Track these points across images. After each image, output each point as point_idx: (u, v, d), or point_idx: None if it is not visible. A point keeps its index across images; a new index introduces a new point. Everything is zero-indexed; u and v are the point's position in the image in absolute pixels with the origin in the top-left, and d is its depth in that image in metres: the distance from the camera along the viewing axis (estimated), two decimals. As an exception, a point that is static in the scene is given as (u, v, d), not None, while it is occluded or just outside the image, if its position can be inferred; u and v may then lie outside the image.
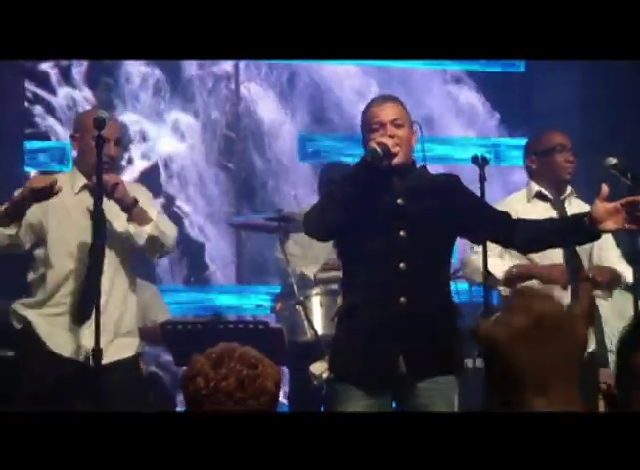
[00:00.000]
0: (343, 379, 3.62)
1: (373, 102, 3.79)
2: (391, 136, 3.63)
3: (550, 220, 4.10)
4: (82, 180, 4.27)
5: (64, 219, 4.22)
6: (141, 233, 4.17)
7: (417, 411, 3.53)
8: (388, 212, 3.63)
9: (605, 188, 3.63)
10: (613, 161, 4.29)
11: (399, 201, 3.65)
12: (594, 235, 3.67)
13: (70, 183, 4.26)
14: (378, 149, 3.55)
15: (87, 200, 4.21)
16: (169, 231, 4.30)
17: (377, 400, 3.58)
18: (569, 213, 4.45)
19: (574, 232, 3.70)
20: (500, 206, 4.05)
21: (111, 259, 4.19)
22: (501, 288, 4.45)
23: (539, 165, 4.63)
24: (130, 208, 4.11)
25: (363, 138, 3.74)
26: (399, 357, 3.56)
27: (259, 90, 7.52)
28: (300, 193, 7.39)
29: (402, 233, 3.61)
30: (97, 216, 3.95)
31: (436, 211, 3.65)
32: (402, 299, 3.56)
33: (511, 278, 4.37)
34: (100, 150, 3.89)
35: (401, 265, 3.58)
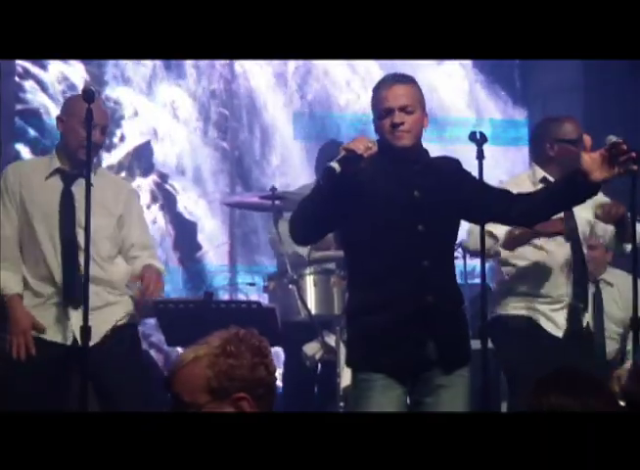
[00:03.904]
0: (373, 370, 3.53)
1: (383, 83, 3.61)
2: (397, 124, 3.51)
3: (544, 188, 4.02)
4: (56, 164, 4.21)
5: (33, 209, 4.18)
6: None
7: (437, 394, 3.54)
8: (406, 207, 3.53)
9: (587, 139, 3.55)
10: (613, 139, 4.23)
11: (416, 193, 3.56)
12: (590, 188, 3.54)
13: (44, 168, 4.23)
14: (336, 167, 3.35)
15: (57, 185, 4.19)
16: None
17: (401, 391, 3.54)
18: None
19: (571, 190, 3.57)
20: (506, 187, 3.97)
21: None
22: (499, 250, 4.35)
23: (559, 153, 4.50)
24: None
25: (374, 119, 3.62)
26: (430, 352, 3.52)
27: (254, 67, 7.43)
28: (296, 171, 7.32)
29: (420, 228, 3.53)
30: (86, 197, 3.88)
31: (447, 199, 3.58)
32: (429, 298, 3.50)
33: (512, 239, 4.27)
34: (89, 123, 3.83)
35: (424, 262, 3.51)
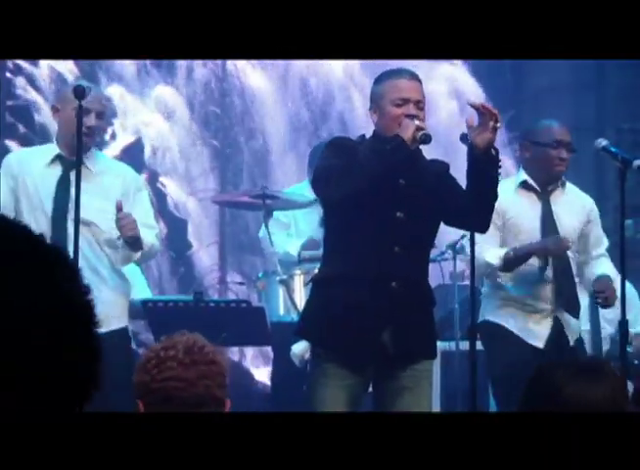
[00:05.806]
0: (328, 357, 3.58)
1: (400, 75, 3.69)
2: (413, 116, 3.58)
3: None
4: (56, 151, 4.25)
5: (32, 194, 4.20)
6: (130, 257, 4.25)
7: (400, 396, 3.57)
8: (389, 192, 3.58)
9: (470, 118, 3.61)
10: (603, 142, 4.25)
11: (401, 181, 3.61)
12: (483, 157, 3.55)
13: (45, 155, 4.27)
14: (430, 134, 3.54)
15: (57, 171, 4.22)
16: (154, 251, 4.39)
17: (359, 379, 3.58)
18: (556, 205, 4.42)
19: (475, 167, 3.58)
20: None
21: (85, 237, 4.12)
22: (500, 275, 4.34)
23: (531, 155, 4.47)
24: (133, 245, 4.14)
25: (377, 106, 3.66)
26: (387, 339, 3.55)
27: (246, 65, 7.42)
28: (287, 171, 7.31)
29: (399, 214, 3.59)
30: (76, 189, 3.89)
31: (430, 194, 3.63)
32: (393, 284, 3.55)
33: (509, 260, 4.27)
34: (80, 120, 3.84)
35: (396, 249, 3.57)
